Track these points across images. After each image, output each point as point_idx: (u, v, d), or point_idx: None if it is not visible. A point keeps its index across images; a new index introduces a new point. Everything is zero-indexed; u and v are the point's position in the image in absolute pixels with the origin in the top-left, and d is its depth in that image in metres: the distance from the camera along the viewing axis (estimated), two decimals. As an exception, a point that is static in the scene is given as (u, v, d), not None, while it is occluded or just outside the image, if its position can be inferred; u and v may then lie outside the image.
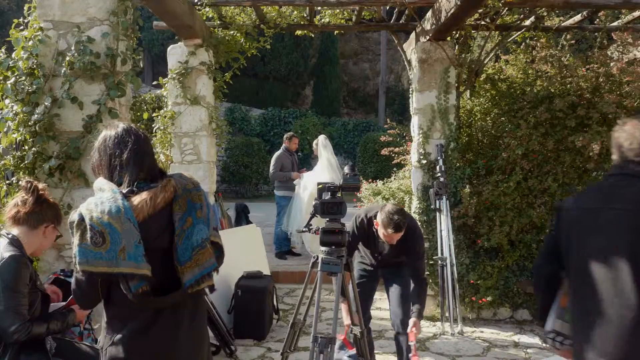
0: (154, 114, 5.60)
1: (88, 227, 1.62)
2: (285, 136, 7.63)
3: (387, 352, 4.25)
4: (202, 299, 1.92)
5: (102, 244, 1.60)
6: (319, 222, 2.97)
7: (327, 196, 2.81)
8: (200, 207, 1.77)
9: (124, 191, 1.71)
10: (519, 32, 5.63)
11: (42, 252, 2.61)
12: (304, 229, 3.18)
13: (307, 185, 6.84)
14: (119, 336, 1.73)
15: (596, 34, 6.10)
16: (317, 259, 2.85)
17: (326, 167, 7.08)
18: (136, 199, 1.69)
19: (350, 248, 3.31)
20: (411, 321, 3.26)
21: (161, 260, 1.73)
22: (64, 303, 2.78)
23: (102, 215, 1.61)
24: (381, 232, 3.25)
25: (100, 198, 1.67)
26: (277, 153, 7.42)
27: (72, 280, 1.76)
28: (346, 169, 2.95)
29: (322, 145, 7.19)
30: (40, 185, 2.50)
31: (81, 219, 1.64)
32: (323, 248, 2.83)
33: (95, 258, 1.60)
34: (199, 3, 5.08)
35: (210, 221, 1.82)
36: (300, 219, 6.85)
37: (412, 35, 5.80)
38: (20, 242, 2.38)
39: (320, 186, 2.87)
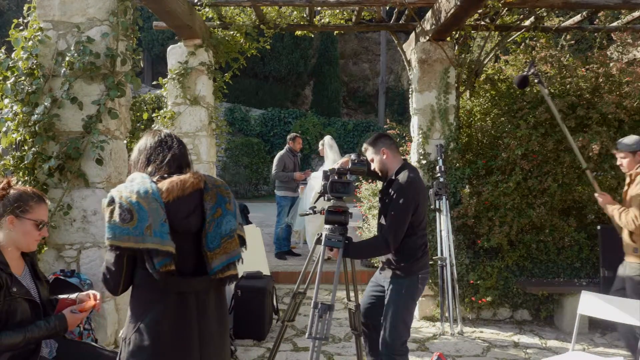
0: (154, 114, 5.60)
1: (117, 205, 1.72)
2: (288, 137, 7.62)
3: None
4: (224, 291, 1.99)
5: (129, 220, 1.70)
6: (324, 206, 3.22)
7: (336, 177, 3.05)
8: (229, 201, 1.92)
9: (154, 179, 1.83)
10: (519, 33, 5.63)
11: (31, 245, 2.35)
12: (308, 212, 3.44)
13: (315, 185, 6.82)
14: (143, 324, 1.78)
15: (596, 34, 6.10)
16: (321, 236, 3.09)
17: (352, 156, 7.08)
18: (166, 182, 1.81)
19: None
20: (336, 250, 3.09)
21: (189, 246, 1.83)
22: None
23: (130, 194, 1.73)
24: None
25: (131, 182, 1.80)
26: (279, 153, 7.42)
27: (102, 266, 1.83)
28: (353, 156, 3.17)
29: (327, 145, 7.21)
30: (12, 182, 2.34)
31: (111, 200, 1.75)
32: (327, 226, 3.07)
33: (123, 234, 1.70)
34: (199, 3, 5.09)
35: (237, 216, 1.94)
36: (303, 219, 6.89)
37: (412, 35, 5.80)
38: None
39: (329, 170, 3.11)
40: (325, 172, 3.12)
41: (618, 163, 3.74)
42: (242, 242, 1.95)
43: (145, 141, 1.95)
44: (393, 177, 3.10)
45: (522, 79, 4.02)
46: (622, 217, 3.53)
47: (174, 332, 1.80)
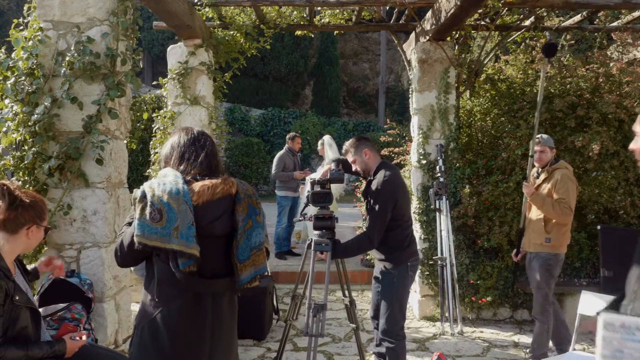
0: (154, 114, 5.60)
1: (149, 203, 1.77)
2: (287, 136, 7.62)
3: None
4: (236, 296, 2.04)
5: (159, 220, 1.75)
6: (313, 212, 3.46)
7: (317, 188, 3.30)
8: (259, 213, 1.96)
9: (187, 178, 1.87)
10: (519, 32, 5.63)
11: (31, 249, 2.47)
12: (300, 218, 3.71)
13: None
14: (159, 315, 1.83)
15: (596, 34, 6.10)
16: (311, 241, 3.33)
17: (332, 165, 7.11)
18: (197, 185, 1.84)
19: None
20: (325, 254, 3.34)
21: (210, 249, 1.86)
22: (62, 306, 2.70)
23: (162, 194, 1.77)
24: None
25: (163, 180, 1.83)
26: (279, 153, 7.41)
27: (119, 239, 1.90)
28: (333, 166, 3.42)
29: (327, 144, 7.21)
30: (13, 186, 2.32)
31: (143, 196, 1.79)
32: (315, 231, 3.32)
33: (151, 232, 1.75)
34: (199, 3, 5.08)
35: (265, 228, 1.99)
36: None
37: (412, 35, 5.80)
38: None
39: (311, 180, 3.39)
40: (311, 183, 3.37)
41: (536, 157, 3.97)
42: (267, 253, 2.01)
43: (179, 138, 1.98)
44: (372, 177, 3.33)
45: (550, 46, 3.91)
46: (556, 207, 3.74)
47: (188, 328, 1.85)
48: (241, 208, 1.90)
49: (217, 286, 1.90)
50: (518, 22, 5.53)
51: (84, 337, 2.47)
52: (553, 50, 3.92)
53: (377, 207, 3.18)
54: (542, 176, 3.93)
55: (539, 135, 3.98)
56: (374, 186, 3.25)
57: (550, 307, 3.91)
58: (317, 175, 7.20)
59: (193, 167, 1.91)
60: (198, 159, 1.92)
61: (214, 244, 1.87)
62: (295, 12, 5.64)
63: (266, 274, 2.04)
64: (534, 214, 3.93)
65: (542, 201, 3.81)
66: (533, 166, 4.10)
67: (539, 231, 3.86)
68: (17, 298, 2.21)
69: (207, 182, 1.86)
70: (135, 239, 1.78)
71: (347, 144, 3.45)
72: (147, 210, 1.76)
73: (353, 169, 3.46)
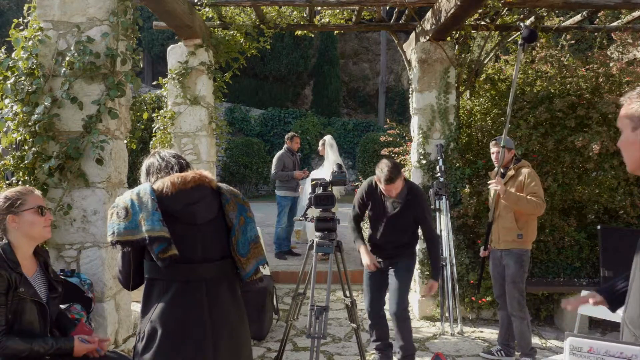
0: (154, 114, 5.61)
1: (115, 206, 1.89)
2: (286, 136, 7.62)
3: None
4: (235, 281, 2.04)
5: (125, 216, 1.85)
6: (314, 214, 3.49)
7: (319, 190, 3.34)
8: (248, 210, 2.06)
9: (155, 185, 1.95)
10: (519, 32, 5.63)
11: (43, 232, 2.39)
12: (301, 218, 3.75)
13: None
14: (154, 315, 1.85)
15: (596, 34, 6.10)
16: (313, 242, 3.38)
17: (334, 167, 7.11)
18: (167, 178, 1.94)
19: (359, 212, 3.86)
20: (430, 282, 3.77)
21: (194, 236, 1.92)
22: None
23: (127, 196, 1.90)
24: (381, 186, 3.63)
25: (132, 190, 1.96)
26: (278, 153, 7.41)
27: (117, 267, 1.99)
28: (335, 168, 3.50)
29: (328, 145, 7.22)
30: None
31: (113, 206, 1.91)
32: (318, 233, 3.36)
33: (120, 228, 1.84)
34: (199, 3, 5.09)
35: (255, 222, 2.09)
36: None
37: (412, 35, 5.80)
38: (4, 248, 2.29)
39: (313, 182, 3.42)
40: (313, 185, 3.41)
41: (494, 156, 4.07)
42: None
43: (146, 161, 2.10)
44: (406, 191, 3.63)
45: (530, 32, 3.76)
46: (531, 201, 3.78)
47: (184, 320, 1.86)
48: (231, 207, 1.99)
49: (207, 271, 1.91)
50: (518, 22, 5.53)
51: (95, 344, 2.43)
52: (533, 37, 3.78)
53: (428, 212, 3.76)
54: (509, 174, 3.98)
55: (497, 138, 4.06)
56: (415, 195, 3.65)
57: (525, 301, 4.00)
58: (316, 174, 7.21)
59: (161, 175, 1.99)
60: (168, 167, 2.01)
61: (199, 230, 1.92)
62: (295, 12, 5.64)
63: (266, 265, 2.10)
64: (504, 211, 3.95)
65: (516, 198, 3.83)
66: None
67: (511, 227, 3.91)
68: (21, 290, 2.24)
69: (175, 174, 1.96)
70: (108, 239, 1.86)
71: (392, 172, 3.47)
72: (114, 212, 1.87)
73: (393, 194, 3.58)
